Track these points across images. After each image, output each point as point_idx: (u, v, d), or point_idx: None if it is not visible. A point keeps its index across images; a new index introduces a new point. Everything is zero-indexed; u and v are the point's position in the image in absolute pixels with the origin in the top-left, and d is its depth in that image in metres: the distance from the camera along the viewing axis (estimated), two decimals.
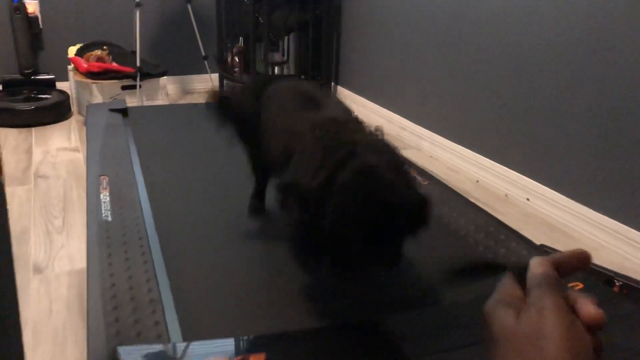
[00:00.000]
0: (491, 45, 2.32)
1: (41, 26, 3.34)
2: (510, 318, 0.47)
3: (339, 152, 0.91)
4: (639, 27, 1.72)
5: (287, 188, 0.99)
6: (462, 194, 1.54)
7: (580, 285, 1.01)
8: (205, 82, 3.72)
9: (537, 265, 0.50)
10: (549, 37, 2.04)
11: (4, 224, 0.52)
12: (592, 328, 0.45)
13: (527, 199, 2.21)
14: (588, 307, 0.46)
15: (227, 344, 0.92)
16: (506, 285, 0.51)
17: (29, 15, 3.17)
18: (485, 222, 1.34)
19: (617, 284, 1.61)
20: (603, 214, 1.91)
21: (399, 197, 0.86)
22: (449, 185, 1.59)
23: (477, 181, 2.45)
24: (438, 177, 1.65)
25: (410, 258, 1.18)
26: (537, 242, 1.30)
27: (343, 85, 3.60)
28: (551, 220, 2.09)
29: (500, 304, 0.49)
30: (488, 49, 2.34)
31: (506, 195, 2.30)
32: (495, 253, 1.20)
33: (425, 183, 1.55)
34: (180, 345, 0.91)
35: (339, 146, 0.92)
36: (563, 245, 1.90)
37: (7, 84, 3.18)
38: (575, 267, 0.51)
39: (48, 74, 3.31)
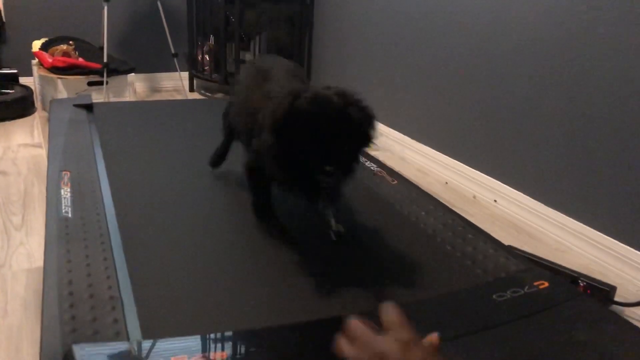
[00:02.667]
0: (460, 48, 2.33)
1: (4, 19, 3.24)
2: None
3: (295, 90, 1.09)
4: (607, 30, 1.75)
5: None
6: (431, 195, 1.54)
7: (546, 284, 1.02)
8: (175, 80, 3.67)
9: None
10: (518, 40, 2.06)
11: None
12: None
13: (495, 201, 2.23)
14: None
15: (188, 342, 0.89)
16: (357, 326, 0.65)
17: None
18: (453, 221, 1.34)
19: (581, 284, 1.63)
20: (569, 216, 1.94)
21: (343, 111, 1.05)
22: (418, 185, 1.59)
23: (446, 183, 2.46)
24: (407, 178, 1.65)
25: (378, 254, 1.17)
26: (505, 243, 1.30)
27: (314, 84, 3.59)
28: (518, 222, 2.11)
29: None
30: (457, 52, 2.35)
31: (474, 196, 2.32)
32: (463, 252, 1.20)
33: (394, 183, 1.55)
34: (140, 344, 0.88)
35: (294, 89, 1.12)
36: (530, 246, 1.92)
37: None
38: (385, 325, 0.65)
39: (11, 69, 3.21)
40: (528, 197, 2.09)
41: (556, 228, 1.98)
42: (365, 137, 1.09)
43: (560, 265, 1.68)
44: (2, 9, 3.22)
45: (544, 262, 1.67)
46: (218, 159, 1.57)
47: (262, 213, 1.30)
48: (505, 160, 2.18)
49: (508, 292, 0.99)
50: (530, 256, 1.66)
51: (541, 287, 1.01)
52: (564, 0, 1.86)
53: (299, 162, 1.05)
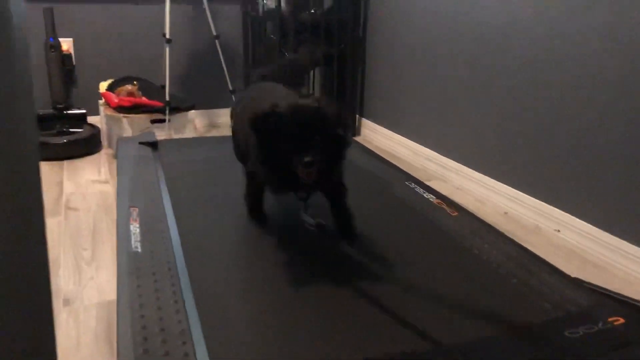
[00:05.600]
0: (517, 74, 2.31)
1: (74, 63, 3.44)
2: None
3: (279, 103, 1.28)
4: None
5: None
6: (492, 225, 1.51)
7: (622, 320, 0.98)
8: None
9: None
10: (580, 65, 2.03)
11: (44, 255, 0.52)
12: None
13: (558, 231, 2.16)
14: None
15: None
16: None
17: (63, 52, 3.27)
18: (517, 253, 1.31)
19: None
20: (638, 246, 1.86)
21: (315, 110, 1.23)
22: (478, 216, 1.57)
23: (506, 213, 2.41)
24: (467, 209, 1.63)
25: (443, 289, 1.16)
26: (571, 275, 1.27)
27: (368, 118, 3.61)
28: (583, 252, 2.04)
29: None
30: (514, 79, 2.33)
31: (536, 226, 2.26)
32: (529, 285, 1.18)
33: (455, 214, 1.53)
34: None
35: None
36: (597, 278, 1.85)
37: (40, 119, 3.26)
38: None
39: (80, 109, 3.38)
40: (593, 226, 2.02)
41: (624, 258, 1.90)
42: (337, 134, 1.27)
43: (634, 299, 1.61)
44: (73, 55, 3.42)
45: (616, 296, 1.61)
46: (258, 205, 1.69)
47: (253, 208, 1.56)
48: (568, 189, 2.12)
49: (581, 328, 0.96)
50: (600, 289, 1.60)
51: (616, 323, 0.98)
52: (624, 16, 1.83)
53: (281, 160, 1.23)
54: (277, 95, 1.49)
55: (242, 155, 1.63)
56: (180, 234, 1.42)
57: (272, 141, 1.24)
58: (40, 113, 3.28)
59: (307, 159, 1.17)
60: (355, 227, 1.42)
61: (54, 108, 3.28)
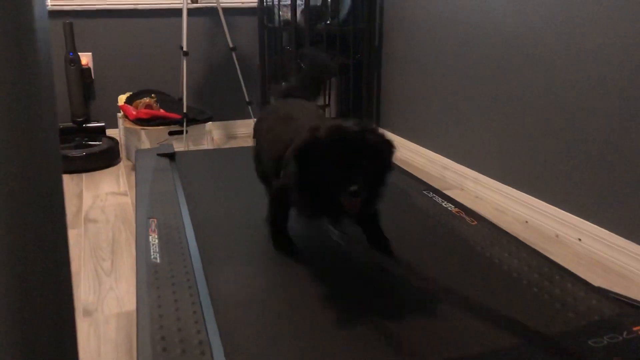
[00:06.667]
0: (536, 81, 2.30)
1: (93, 77, 3.49)
2: None
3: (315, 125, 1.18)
4: None
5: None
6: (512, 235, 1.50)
7: None
8: (249, 127, 3.80)
9: None
10: (600, 73, 2.01)
11: (67, 266, 0.52)
12: None
13: (579, 239, 2.14)
14: None
15: None
16: None
17: (83, 66, 3.32)
18: (538, 262, 1.30)
19: None
20: None
21: (360, 136, 1.12)
22: (498, 225, 1.55)
23: (526, 222, 2.39)
24: (487, 218, 1.62)
25: (463, 299, 1.15)
26: (593, 284, 1.25)
27: (384, 127, 3.61)
28: (605, 261, 2.01)
29: None
30: (533, 86, 2.31)
31: (557, 235, 2.24)
32: (551, 294, 1.16)
33: (474, 223, 1.52)
34: None
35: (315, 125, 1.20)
36: (621, 287, 1.82)
37: (60, 132, 3.32)
38: None
39: (99, 122, 3.43)
40: (615, 235, 1.99)
41: None
42: (384, 160, 1.17)
43: None
44: (92, 68, 3.48)
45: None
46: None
47: (278, 231, 1.40)
48: (589, 197, 2.09)
49: (605, 337, 0.95)
50: (624, 298, 1.57)
51: None
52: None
53: (323, 188, 1.13)
54: (310, 116, 1.40)
55: (266, 175, 1.55)
56: (199, 245, 1.43)
57: (313, 168, 1.14)
58: (60, 126, 3.33)
59: (353, 188, 1.06)
60: (392, 251, 1.34)
61: (74, 121, 3.33)
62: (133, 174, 2.93)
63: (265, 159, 1.48)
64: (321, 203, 1.18)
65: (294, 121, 1.38)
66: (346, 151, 1.10)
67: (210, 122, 3.37)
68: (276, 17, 3.51)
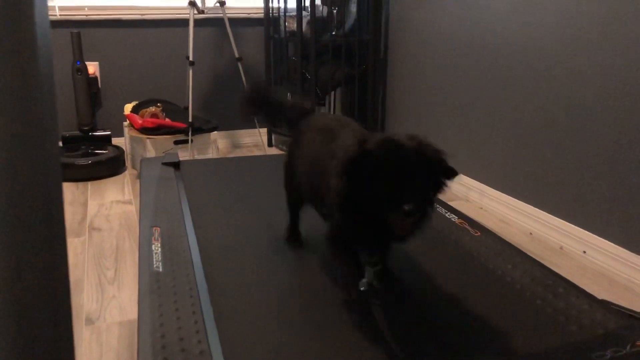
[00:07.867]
0: (542, 94, 2.29)
1: (100, 86, 3.51)
2: None
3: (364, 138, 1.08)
4: None
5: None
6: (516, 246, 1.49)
7: None
8: (254, 137, 3.81)
9: None
10: (606, 85, 2.01)
11: (65, 276, 0.52)
12: None
13: (584, 252, 2.12)
14: None
15: None
16: None
17: (89, 75, 3.35)
18: (542, 274, 1.29)
19: None
20: None
21: (416, 150, 1.02)
22: (501, 237, 1.54)
23: (531, 233, 2.37)
24: (490, 229, 1.61)
25: (465, 310, 1.14)
26: (597, 296, 1.24)
27: None
28: (610, 273, 2.00)
29: None
30: (538, 98, 2.31)
31: (561, 247, 2.22)
32: (555, 307, 1.15)
33: (477, 234, 1.51)
34: None
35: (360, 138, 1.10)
36: (625, 300, 1.81)
37: (66, 140, 3.34)
38: None
39: (105, 130, 3.45)
40: (620, 248, 1.98)
41: None
42: (440, 177, 1.06)
43: None
44: (99, 77, 3.50)
45: None
46: (295, 235, 1.51)
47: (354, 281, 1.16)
48: (594, 209, 2.08)
49: (608, 351, 0.94)
50: (628, 311, 1.56)
51: None
52: None
53: (370, 207, 1.00)
54: (353, 130, 1.27)
55: (299, 193, 1.40)
56: (202, 254, 1.43)
57: (361, 185, 1.02)
58: (67, 135, 3.35)
59: (407, 207, 0.95)
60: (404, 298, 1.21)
61: (80, 130, 3.35)
62: (138, 182, 2.94)
63: (303, 174, 1.34)
64: (365, 224, 1.05)
65: (335, 135, 1.25)
66: (400, 166, 0.99)
67: (216, 132, 3.38)
68: (282, 27, 3.53)
